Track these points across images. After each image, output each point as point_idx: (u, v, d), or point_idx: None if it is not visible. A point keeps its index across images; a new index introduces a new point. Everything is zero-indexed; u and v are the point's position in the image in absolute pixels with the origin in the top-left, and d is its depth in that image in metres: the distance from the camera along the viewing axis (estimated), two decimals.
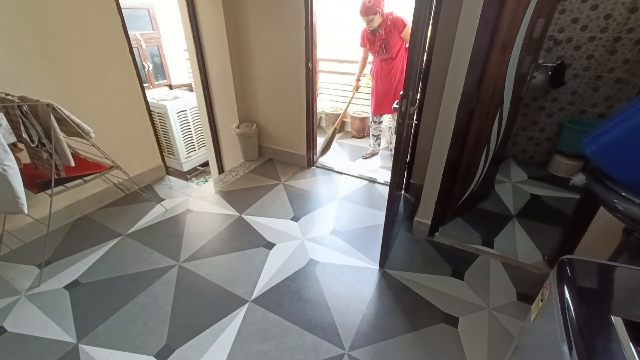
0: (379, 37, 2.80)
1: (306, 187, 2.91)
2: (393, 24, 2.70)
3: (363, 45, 3.03)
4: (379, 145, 3.60)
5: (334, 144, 3.93)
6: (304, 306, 1.76)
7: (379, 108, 3.17)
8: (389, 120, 3.88)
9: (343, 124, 4.42)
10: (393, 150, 3.26)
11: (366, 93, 4.28)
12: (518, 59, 1.90)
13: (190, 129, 4.26)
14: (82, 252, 2.11)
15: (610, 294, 0.89)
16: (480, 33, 1.59)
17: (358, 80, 3.39)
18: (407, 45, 2.77)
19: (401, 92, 1.50)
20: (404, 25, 2.69)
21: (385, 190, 2.82)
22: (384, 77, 2.98)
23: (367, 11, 2.67)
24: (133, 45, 2.55)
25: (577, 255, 0.92)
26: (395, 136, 2.33)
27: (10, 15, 1.88)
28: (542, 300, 0.93)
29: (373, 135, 3.51)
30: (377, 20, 2.70)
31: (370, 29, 2.81)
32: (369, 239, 2.25)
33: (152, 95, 3.99)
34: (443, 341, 1.58)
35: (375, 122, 3.40)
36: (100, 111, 2.42)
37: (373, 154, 3.58)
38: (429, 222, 2.18)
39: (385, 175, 3.08)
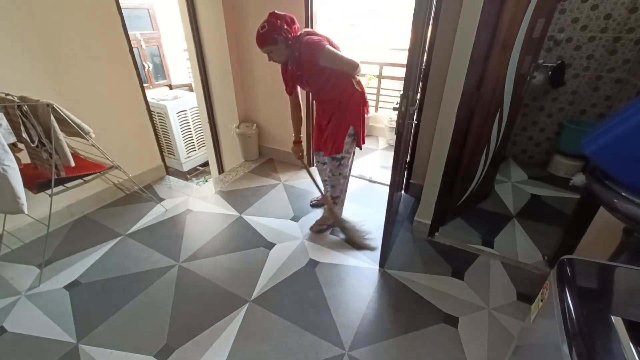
0: (290, 73, 1.91)
1: (306, 187, 2.91)
2: (301, 55, 1.78)
3: (284, 82, 2.02)
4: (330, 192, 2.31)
5: None
6: (304, 306, 1.76)
7: (315, 144, 2.15)
8: (389, 121, 3.88)
9: None
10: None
11: (367, 93, 4.27)
12: (518, 59, 1.91)
13: (190, 129, 4.26)
14: (82, 252, 2.11)
15: (610, 294, 0.89)
16: (480, 33, 1.59)
17: (298, 142, 2.20)
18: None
19: (401, 93, 1.50)
20: (317, 53, 1.73)
21: (385, 190, 2.82)
22: (319, 112, 2.08)
23: (261, 42, 1.76)
24: (133, 45, 2.55)
25: (577, 255, 0.92)
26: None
27: (10, 15, 1.88)
28: (542, 300, 0.93)
29: (322, 179, 2.37)
30: (281, 51, 1.79)
31: (278, 62, 1.89)
32: (369, 239, 2.25)
33: (152, 95, 3.99)
34: (443, 341, 1.58)
35: (318, 161, 2.27)
36: (100, 111, 2.42)
37: (322, 204, 2.50)
38: (429, 222, 2.18)
39: (385, 175, 3.08)
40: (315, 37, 1.79)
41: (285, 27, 1.74)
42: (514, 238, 2.25)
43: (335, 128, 1.98)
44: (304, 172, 3.16)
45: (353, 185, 2.94)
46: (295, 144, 2.21)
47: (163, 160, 3.02)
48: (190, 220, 2.45)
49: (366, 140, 2.14)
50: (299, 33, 1.82)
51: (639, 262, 1.25)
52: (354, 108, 1.96)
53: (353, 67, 1.84)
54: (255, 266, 2.02)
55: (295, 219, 2.47)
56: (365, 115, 2.04)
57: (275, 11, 1.75)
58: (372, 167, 3.36)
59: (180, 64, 4.80)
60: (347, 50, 1.89)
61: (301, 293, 1.84)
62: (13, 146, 1.75)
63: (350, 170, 2.20)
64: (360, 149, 2.14)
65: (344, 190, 2.24)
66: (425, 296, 1.82)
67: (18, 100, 1.71)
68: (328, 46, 1.76)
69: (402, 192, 2.80)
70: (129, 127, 2.65)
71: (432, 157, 2.00)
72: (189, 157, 4.38)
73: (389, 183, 1.78)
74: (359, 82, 1.96)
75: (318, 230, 2.31)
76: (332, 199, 2.24)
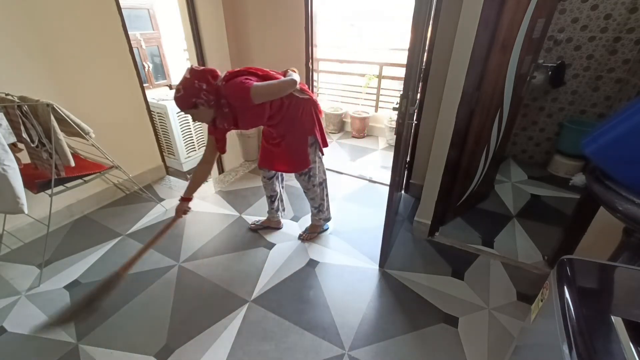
0: (221, 131, 1.68)
1: None
2: (231, 106, 1.59)
3: (216, 141, 1.74)
4: (281, 211, 2.31)
5: (334, 144, 3.93)
6: (304, 306, 1.76)
7: (264, 160, 2.00)
8: (389, 121, 3.89)
9: (343, 123, 4.41)
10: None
11: (367, 93, 4.28)
12: (518, 59, 1.91)
13: (190, 129, 4.24)
14: (82, 252, 2.11)
15: (610, 294, 0.89)
16: (480, 33, 1.59)
17: (187, 199, 1.76)
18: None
19: (401, 93, 1.50)
20: (246, 95, 1.51)
21: (385, 190, 2.81)
22: (268, 131, 1.88)
23: (180, 106, 1.54)
24: (133, 45, 2.55)
25: (577, 255, 0.92)
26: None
27: (10, 15, 1.88)
28: (542, 300, 0.93)
29: (267, 195, 2.22)
30: (204, 114, 1.58)
31: (204, 122, 1.66)
32: (369, 239, 2.25)
33: (152, 95, 3.97)
34: (443, 341, 1.58)
35: (264, 176, 2.11)
36: (100, 111, 2.42)
37: (266, 226, 2.35)
38: (429, 222, 2.18)
39: (385, 175, 3.08)
40: (237, 79, 1.56)
41: (205, 87, 1.51)
42: (514, 238, 2.25)
43: (294, 145, 1.83)
44: None
45: (353, 185, 2.94)
46: (184, 202, 1.77)
47: (163, 160, 3.02)
48: (190, 220, 2.45)
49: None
50: (217, 84, 1.56)
51: (639, 262, 1.25)
52: (306, 119, 1.81)
53: (289, 86, 1.62)
54: (255, 266, 2.02)
55: (295, 219, 2.47)
56: (321, 117, 1.90)
57: (193, 67, 1.53)
58: (372, 167, 3.35)
59: (180, 64, 4.80)
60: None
61: (301, 293, 1.84)
62: (13, 146, 1.75)
63: (324, 172, 2.06)
64: (322, 153, 1.97)
65: (324, 197, 2.14)
66: (425, 296, 1.82)
67: (18, 100, 1.71)
68: (255, 83, 1.54)
69: (402, 192, 2.80)
70: (129, 127, 2.65)
71: (432, 157, 2.00)
72: (189, 157, 4.36)
73: (389, 183, 1.78)
74: (302, 89, 1.77)
75: (309, 238, 2.24)
76: (316, 210, 2.16)
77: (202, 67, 1.55)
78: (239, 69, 1.65)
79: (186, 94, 1.50)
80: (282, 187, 2.24)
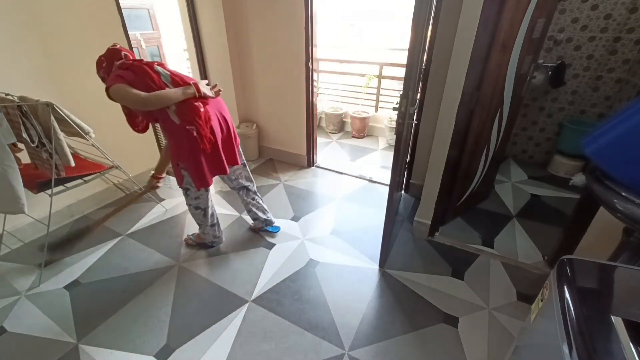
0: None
1: (306, 187, 2.91)
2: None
3: None
4: (260, 220, 2.27)
5: (334, 144, 3.93)
6: (304, 306, 1.76)
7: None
8: (389, 121, 3.89)
9: (343, 124, 4.41)
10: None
11: (367, 93, 4.28)
12: (518, 59, 1.91)
13: None
14: (82, 252, 2.11)
15: (610, 294, 0.89)
16: (480, 33, 1.59)
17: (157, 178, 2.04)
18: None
19: (401, 93, 1.50)
20: (107, 91, 1.53)
21: (385, 190, 2.82)
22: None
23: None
24: (133, 45, 2.55)
25: (577, 255, 0.92)
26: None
27: (10, 15, 1.88)
28: (542, 300, 0.93)
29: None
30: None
31: None
32: (369, 239, 2.25)
33: None
34: (443, 341, 1.58)
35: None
36: (100, 111, 2.41)
37: (257, 229, 2.34)
38: (429, 222, 2.18)
39: (385, 175, 3.08)
40: (118, 72, 1.54)
41: (104, 65, 1.60)
42: (514, 238, 2.25)
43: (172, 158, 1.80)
44: (304, 172, 3.16)
45: (353, 185, 2.94)
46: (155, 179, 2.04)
47: None
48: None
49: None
50: (114, 66, 1.60)
51: (639, 262, 1.25)
52: (176, 144, 1.69)
53: (139, 104, 1.53)
54: (255, 266, 2.02)
55: (295, 219, 2.47)
56: (205, 153, 1.70)
57: (112, 45, 1.60)
58: (372, 167, 3.35)
59: (180, 64, 4.80)
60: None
61: (301, 293, 1.84)
62: (13, 146, 1.75)
63: (206, 202, 1.93)
64: (198, 189, 1.85)
65: (209, 226, 2.03)
66: (425, 296, 1.82)
67: (18, 100, 1.71)
68: (116, 85, 1.49)
69: (402, 192, 2.80)
70: (129, 127, 2.64)
71: (432, 157, 2.00)
72: None
73: (389, 183, 1.78)
74: (178, 111, 1.57)
75: (188, 243, 2.19)
76: (198, 225, 2.06)
77: (116, 47, 1.64)
78: (140, 60, 1.61)
79: (96, 65, 1.67)
80: (252, 198, 2.17)
